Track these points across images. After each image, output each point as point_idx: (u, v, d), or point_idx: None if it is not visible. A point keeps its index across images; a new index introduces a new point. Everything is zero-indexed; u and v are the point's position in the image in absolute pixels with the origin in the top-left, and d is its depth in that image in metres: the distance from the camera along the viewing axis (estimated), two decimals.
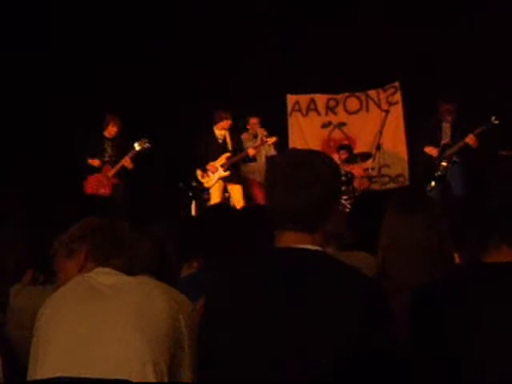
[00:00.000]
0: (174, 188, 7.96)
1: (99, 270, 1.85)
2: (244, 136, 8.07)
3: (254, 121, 8.11)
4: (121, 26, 7.99)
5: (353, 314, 1.49)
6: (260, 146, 7.87)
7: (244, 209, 5.00)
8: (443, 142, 7.24)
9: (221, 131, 7.65)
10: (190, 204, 7.89)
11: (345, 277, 1.58)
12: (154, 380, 1.57)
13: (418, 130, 7.67)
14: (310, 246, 1.61)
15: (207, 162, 7.59)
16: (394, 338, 1.55)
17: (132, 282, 1.77)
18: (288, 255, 1.61)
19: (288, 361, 1.49)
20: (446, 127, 7.28)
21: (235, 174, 7.63)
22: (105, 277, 1.81)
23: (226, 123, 7.59)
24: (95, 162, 7.23)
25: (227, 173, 7.59)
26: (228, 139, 7.69)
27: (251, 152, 7.65)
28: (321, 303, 1.51)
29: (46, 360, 1.66)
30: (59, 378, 1.55)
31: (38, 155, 7.59)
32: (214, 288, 1.68)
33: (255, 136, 8.07)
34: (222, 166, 7.59)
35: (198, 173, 7.70)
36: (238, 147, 7.69)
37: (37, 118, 7.64)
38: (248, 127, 8.15)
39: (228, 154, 7.62)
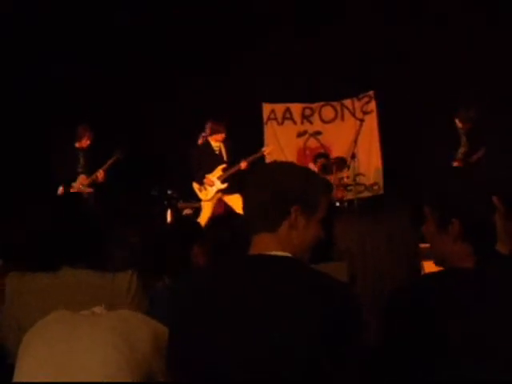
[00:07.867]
0: (148, 196, 7.90)
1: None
2: None
3: None
4: (95, 38, 7.96)
5: (325, 317, 1.49)
6: (255, 157, 7.51)
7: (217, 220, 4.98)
8: (461, 150, 7.06)
9: (216, 143, 7.57)
10: (165, 213, 7.83)
11: (317, 281, 1.58)
12: None
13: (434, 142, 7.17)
14: (280, 253, 1.62)
15: (204, 174, 7.47)
16: (363, 341, 1.56)
17: (114, 313, 1.76)
18: (256, 262, 1.62)
19: (258, 363, 1.48)
20: (462, 136, 7.08)
21: (233, 184, 7.34)
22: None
23: (221, 136, 7.49)
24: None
25: (225, 185, 7.46)
26: (223, 150, 7.59)
27: (243, 165, 7.37)
28: (291, 307, 1.50)
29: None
30: None
31: (9, 166, 7.52)
32: (178, 299, 1.69)
33: None
34: (218, 178, 7.50)
35: (195, 186, 7.57)
36: (233, 158, 7.48)
37: (8, 129, 7.55)
38: None
39: (224, 166, 7.51)
